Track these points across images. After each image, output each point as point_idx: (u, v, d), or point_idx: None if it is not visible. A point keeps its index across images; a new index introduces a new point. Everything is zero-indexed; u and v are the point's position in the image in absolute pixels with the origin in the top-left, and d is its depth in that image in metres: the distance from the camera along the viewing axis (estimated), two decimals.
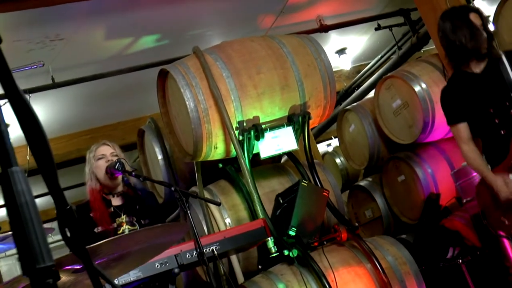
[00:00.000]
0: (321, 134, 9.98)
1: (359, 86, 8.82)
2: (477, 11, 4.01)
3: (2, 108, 0.84)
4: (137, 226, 3.95)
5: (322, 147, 11.13)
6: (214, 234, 3.55)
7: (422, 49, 7.44)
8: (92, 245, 1.46)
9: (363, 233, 6.26)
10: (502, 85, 3.82)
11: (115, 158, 3.94)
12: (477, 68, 3.97)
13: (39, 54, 5.63)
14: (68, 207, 0.84)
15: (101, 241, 1.46)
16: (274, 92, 4.29)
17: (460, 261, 4.86)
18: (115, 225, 3.91)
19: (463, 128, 3.99)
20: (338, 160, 9.63)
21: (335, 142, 11.02)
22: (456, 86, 4.05)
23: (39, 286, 0.71)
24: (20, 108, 0.83)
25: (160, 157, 5.17)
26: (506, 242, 4.17)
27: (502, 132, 3.86)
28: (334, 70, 4.73)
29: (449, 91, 4.10)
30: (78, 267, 1.35)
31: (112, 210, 3.96)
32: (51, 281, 0.72)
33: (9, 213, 0.74)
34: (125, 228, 3.91)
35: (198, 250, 3.18)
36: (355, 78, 9.08)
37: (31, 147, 0.86)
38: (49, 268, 0.73)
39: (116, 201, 4.02)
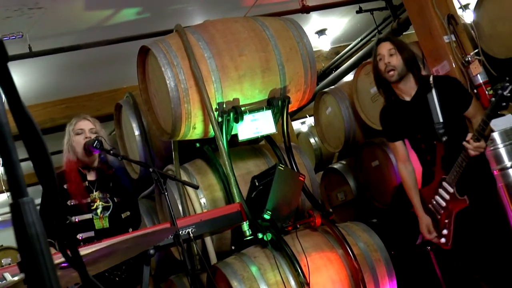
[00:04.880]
0: (296, 113, 9.97)
1: (337, 67, 8.81)
2: (389, 39, 4.11)
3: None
4: (111, 203, 3.95)
5: (296, 125, 11.15)
6: (191, 216, 3.56)
7: (402, 35, 7.45)
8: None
9: (334, 215, 6.33)
10: (429, 113, 3.94)
11: (93, 135, 3.91)
12: (407, 95, 4.05)
13: (17, 22, 5.51)
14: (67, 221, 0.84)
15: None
16: (255, 75, 4.28)
17: (429, 248, 4.95)
18: (88, 199, 3.90)
19: (399, 146, 4.15)
20: (312, 140, 9.65)
21: (309, 120, 11.04)
22: (391, 110, 4.17)
23: None
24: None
25: (137, 133, 5.15)
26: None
27: (428, 158, 4.04)
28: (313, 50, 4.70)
29: (385, 113, 4.23)
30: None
31: (87, 184, 3.96)
32: None
33: (19, 244, 0.74)
34: (99, 204, 3.91)
35: (175, 232, 3.20)
36: (334, 60, 9.08)
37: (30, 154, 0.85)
38: None
39: (90, 176, 4.01)
